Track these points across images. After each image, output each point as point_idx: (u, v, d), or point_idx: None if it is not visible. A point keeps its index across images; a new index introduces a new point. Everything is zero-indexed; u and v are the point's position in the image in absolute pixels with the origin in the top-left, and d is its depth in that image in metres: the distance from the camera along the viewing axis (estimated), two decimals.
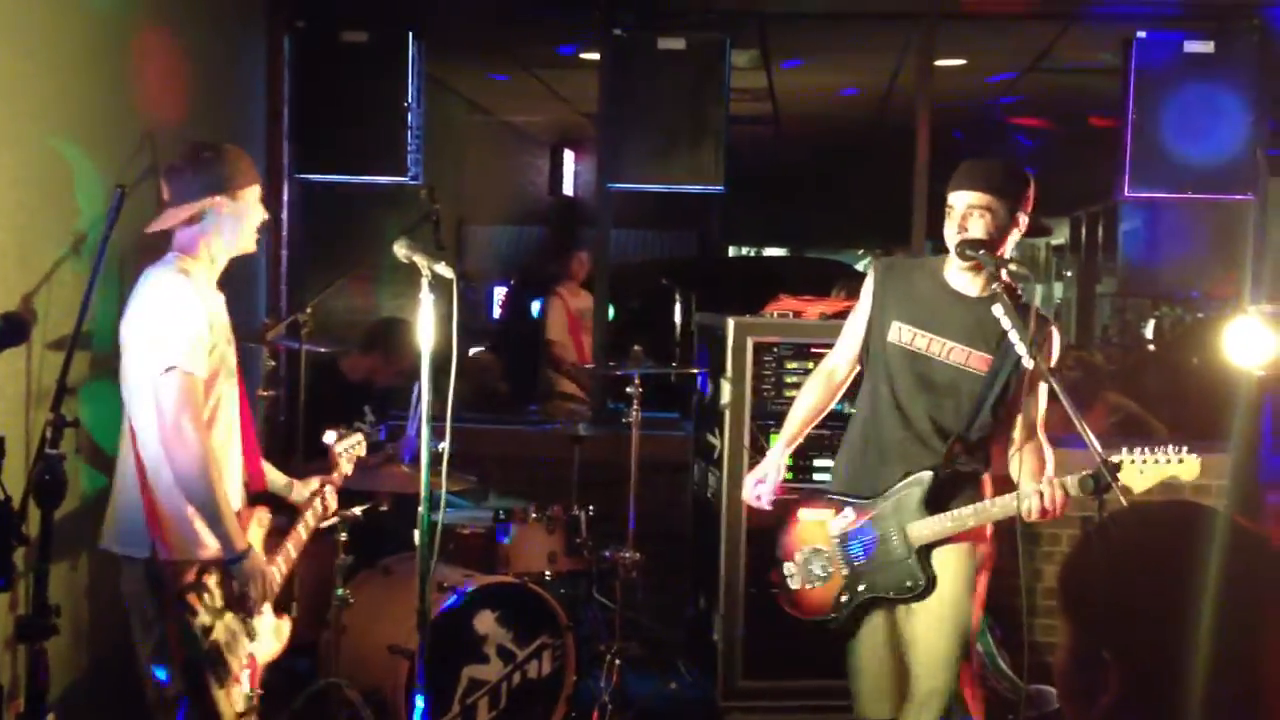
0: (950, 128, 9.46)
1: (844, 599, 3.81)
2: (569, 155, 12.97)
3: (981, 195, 3.65)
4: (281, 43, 5.99)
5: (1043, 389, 3.70)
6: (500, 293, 11.56)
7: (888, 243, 15.22)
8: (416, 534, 3.42)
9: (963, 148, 10.88)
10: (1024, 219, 3.70)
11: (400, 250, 3.33)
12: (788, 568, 3.93)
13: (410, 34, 5.89)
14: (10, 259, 3.99)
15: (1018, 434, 3.76)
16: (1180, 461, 3.43)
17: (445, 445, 3.34)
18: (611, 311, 7.18)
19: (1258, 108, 5.64)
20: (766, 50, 7.71)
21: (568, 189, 12.96)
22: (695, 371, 5.82)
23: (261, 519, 3.65)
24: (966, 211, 3.66)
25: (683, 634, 5.93)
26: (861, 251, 15.56)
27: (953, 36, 6.66)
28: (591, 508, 5.20)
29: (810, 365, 5.26)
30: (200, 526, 3.36)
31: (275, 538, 3.73)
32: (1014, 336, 3.56)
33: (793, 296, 5.58)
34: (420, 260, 3.30)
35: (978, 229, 3.63)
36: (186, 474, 3.28)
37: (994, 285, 3.57)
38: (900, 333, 3.80)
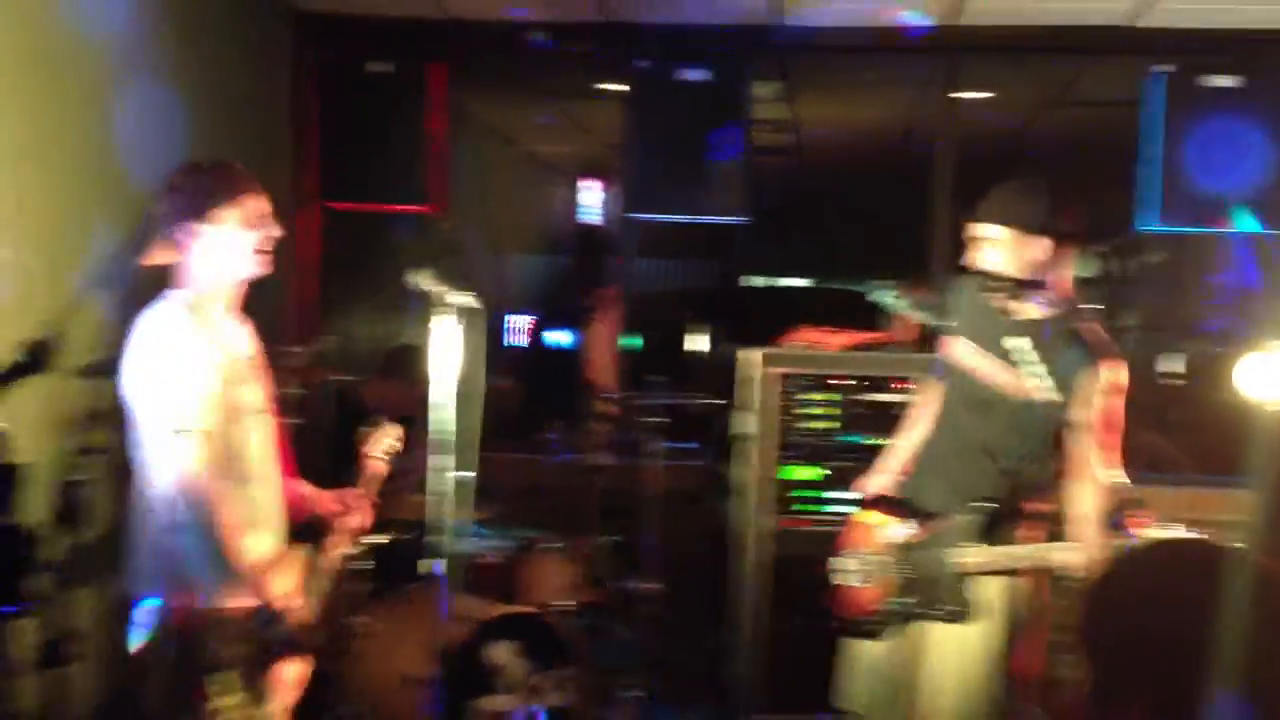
0: (972, 159, 9.46)
1: (886, 607, 3.82)
2: (594, 185, 12.98)
3: (985, 226, 3.65)
4: (308, 72, 6.04)
5: (1102, 425, 3.59)
6: (523, 322, 11.56)
7: (910, 274, 15.16)
8: (433, 563, 3.40)
9: (980, 180, 10.89)
10: (1044, 242, 3.60)
11: (422, 280, 3.33)
12: (841, 562, 3.95)
13: (434, 65, 5.93)
14: (40, 283, 4.03)
15: (1069, 468, 3.67)
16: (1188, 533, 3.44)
17: (471, 474, 3.31)
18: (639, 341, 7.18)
19: None
20: (789, 82, 7.72)
21: (592, 219, 12.96)
22: (717, 402, 5.81)
23: (299, 558, 3.52)
24: (977, 243, 3.68)
25: (702, 666, 5.90)
26: (890, 283, 15.51)
27: (975, 69, 6.67)
28: (611, 537, 5.19)
29: (833, 396, 5.27)
30: (226, 576, 3.22)
31: (311, 572, 3.61)
32: (1033, 370, 3.55)
33: (814, 327, 5.58)
34: (442, 290, 3.29)
35: (987, 261, 3.64)
36: (207, 530, 3.13)
37: (1013, 316, 3.57)
38: (961, 348, 3.82)
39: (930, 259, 6.29)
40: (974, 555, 3.65)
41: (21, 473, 2.30)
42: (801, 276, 16.44)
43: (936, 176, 6.31)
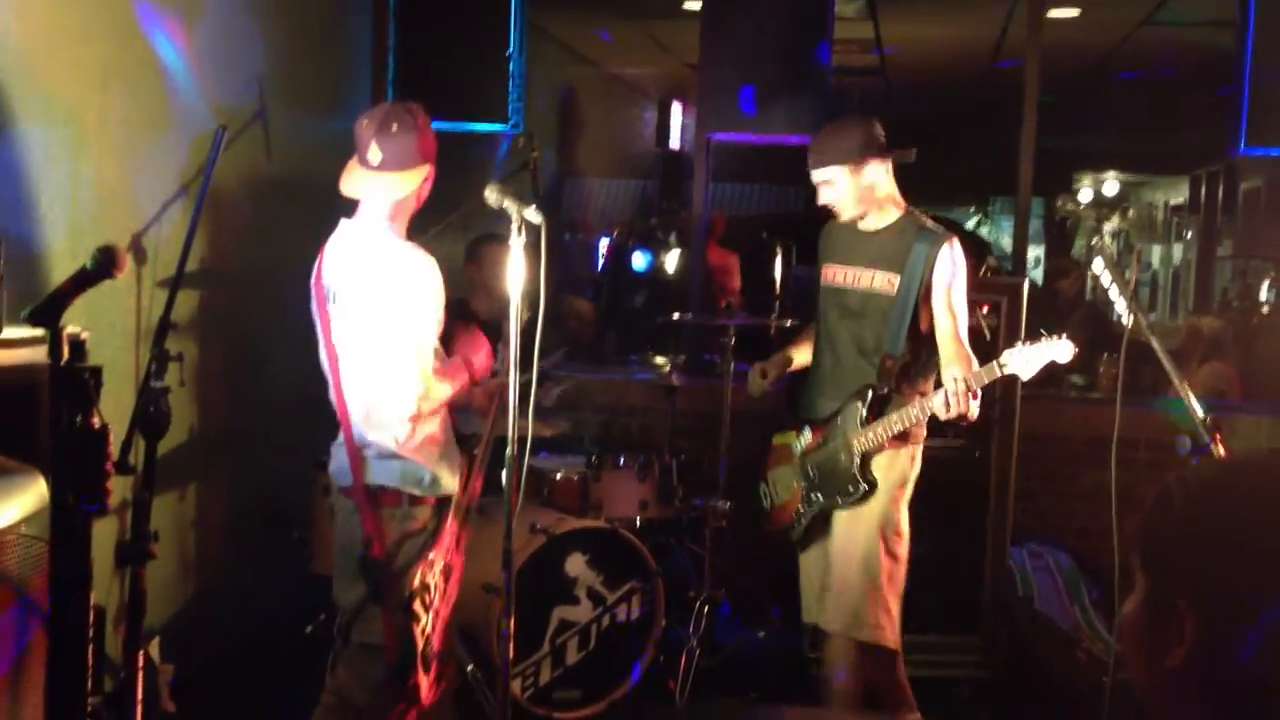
0: (1060, 81, 9.25)
1: (801, 509, 4.19)
2: (677, 108, 12.88)
3: (816, 171, 3.99)
4: None
5: (953, 305, 3.89)
6: (602, 244, 11.57)
7: (996, 197, 14.92)
8: (504, 475, 3.45)
9: (1067, 103, 10.64)
10: (867, 165, 3.93)
11: (491, 196, 3.33)
12: (761, 489, 4.39)
13: None
14: (121, 198, 4.12)
15: (941, 351, 3.93)
16: (1057, 343, 3.64)
17: (533, 390, 3.35)
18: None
19: None
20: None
21: (674, 142, 12.89)
22: (789, 324, 5.80)
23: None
24: (819, 188, 4.01)
25: (769, 583, 5.93)
26: (973, 209, 15.30)
27: None
28: (683, 456, 5.22)
29: None
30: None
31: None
32: (884, 269, 3.94)
33: None
34: (511, 206, 3.29)
35: (827, 199, 4.01)
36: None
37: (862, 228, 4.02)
38: (826, 271, 4.16)
39: (1017, 181, 6.16)
40: (862, 436, 3.95)
41: (100, 377, 2.37)
42: None
43: (1025, 98, 6.16)
